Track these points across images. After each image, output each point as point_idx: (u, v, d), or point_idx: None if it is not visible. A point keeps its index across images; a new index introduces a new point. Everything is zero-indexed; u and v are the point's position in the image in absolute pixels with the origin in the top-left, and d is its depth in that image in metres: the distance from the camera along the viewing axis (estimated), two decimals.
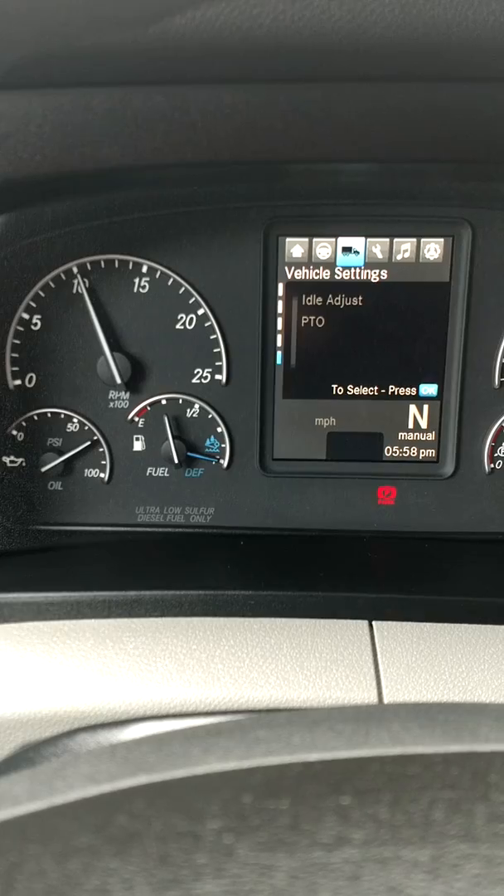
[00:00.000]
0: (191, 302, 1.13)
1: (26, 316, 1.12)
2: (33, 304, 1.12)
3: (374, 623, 1.00)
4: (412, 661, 0.95)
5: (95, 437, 1.18)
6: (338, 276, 1.13)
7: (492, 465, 1.18)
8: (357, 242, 1.12)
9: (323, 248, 1.12)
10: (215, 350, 1.15)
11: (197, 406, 1.17)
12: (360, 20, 0.69)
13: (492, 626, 1.00)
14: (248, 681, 0.92)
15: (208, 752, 0.42)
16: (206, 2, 0.62)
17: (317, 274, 1.13)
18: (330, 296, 1.14)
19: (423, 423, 1.18)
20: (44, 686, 0.92)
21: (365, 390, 1.17)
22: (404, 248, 1.12)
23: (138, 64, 0.71)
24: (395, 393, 1.17)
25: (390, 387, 1.17)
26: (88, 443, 1.17)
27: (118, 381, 1.12)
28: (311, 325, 1.15)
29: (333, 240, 1.12)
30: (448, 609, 1.01)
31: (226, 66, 0.75)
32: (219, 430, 1.18)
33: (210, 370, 1.16)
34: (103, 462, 1.19)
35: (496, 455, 1.18)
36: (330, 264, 1.13)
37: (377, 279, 1.13)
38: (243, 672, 0.93)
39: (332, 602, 1.01)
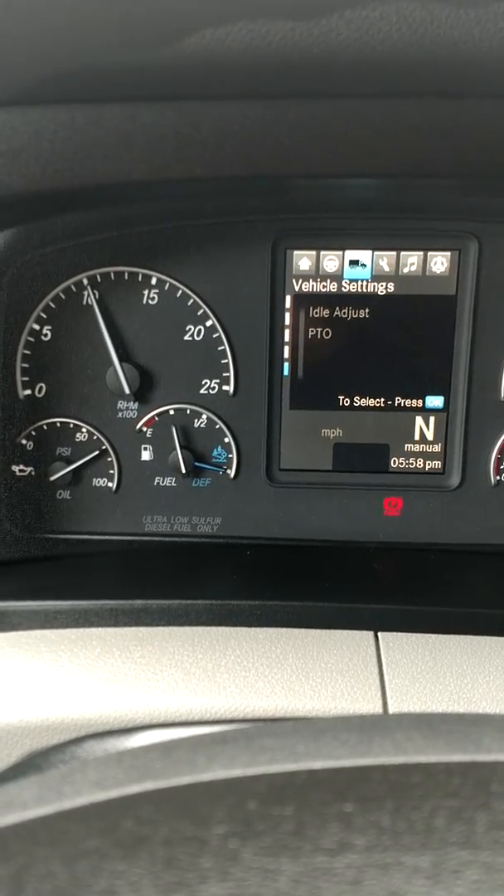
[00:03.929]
0: (199, 313, 1.14)
1: (37, 326, 1.13)
2: (44, 315, 1.13)
3: (379, 634, 1.00)
4: (417, 672, 0.95)
5: (104, 447, 1.19)
6: (345, 288, 1.14)
7: (498, 478, 1.18)
8: (364, 255, 1.13)
9: (330, 260, 1.13)
10: (223, 361, 1.16)
11: (204, 416, 1.18)
12: (368, 38, 0.70)
13: (497, 637, 1.00)
14: (254, 690, 0.92)
15: (213, 759, 0.42)
16: (218, 22, 0.63)
17: (324, 286, 1.14)
18: (337, 308, 1.15)
19: (430, 435, 1.19)
20: (51, 694, 0.92)
21: (371, 402, 1.18)
22: (411, 261, 1.13)
23: (149, 81, 0.72)
24: (402, 404, 1.18)
25: (396, 398, 1.18)
26: (97, 452, 1.18)
27: (127, 391, 1.13)
28: (318, 336, 1.16)
29: (341, 253, 1.13)
30: (453, 620, 1.01)
31: (235, 83, 0.76)
32: (226, 440, 1.19)
33: (218, 381, 1.17)
34: (111, 471, 1.20)
35: (502, 467, 1.18)
36: (337, 277, 1.14)
37: (384, 292, 1.14)
38: (249, 681, 0.93)
39: (337, 613, 1.01)
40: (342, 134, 0.84)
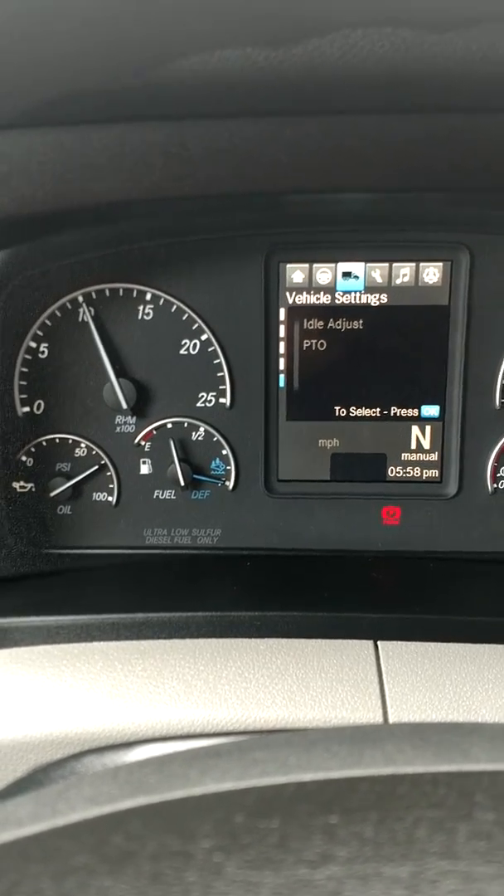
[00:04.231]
0: (194, 328, 1.15)
1: (34, 344, 1.15)
2: (40, 333, 1.14)
3: (379, 643, 1.01)
4: (417, 680, 0.96)
5: (103, 462, 1.20)
6: (338, 300, 1.15)
7: (495, 485, 1.19)
8: (357, 267, 1.14)
9: (323, 273, 1.14)
10: (219, 374, 1.17)
11: (202, 429, 1.19)
12: (351, 57, 0.71)
13: (496, 645, 1.01)
14: (255, 701, 0.93)
15: (206, 773, 0.43)
16: (196, 51, 0.64)
17: (318, 299, 1.15)
18: (331, 320, 1.16)
19: (426, 444, 1.20)
20: (55, 709, 0.93)
21: (367, 412, 1.19)
22: (403, 272, 1.14)
23: (137, 102, 0.73)
24: (398, 414, 1.19)
25: (392, 408, 1.19)
26: (96, 467, 1.19)
27: (124, 406, 1.14)
28: (313, 348, 1.17)
29: (333, 265, 1.14)
30: (452, 628, 1.02)
31: (223, 103, 0.77)
32: (224, 452, 1.20)
33: (214, 394, 1.18)
34: (111, 486, 1.21)
35: (499, 475, 1.19)
36: (330, 289, 1.15)
37: (377, 303, 1.15)
38: (250, 692, 0.94)
39: (336, 622, 1.02)
40: (334, 150, 0.85)
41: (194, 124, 0.78)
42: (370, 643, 1.01)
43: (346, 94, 0.78)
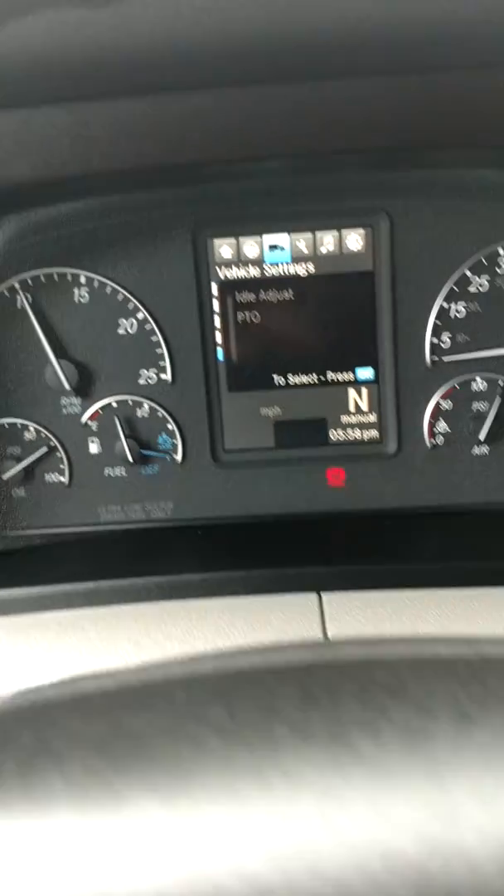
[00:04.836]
0: (130, 307, 1.19)
1: None
2: None
3: (322, 594, 1.05)
4: (358, 625, 1.00)
5: (52, 444, 1.24)
6: (267, 272, 1.19)
7: (433, 441, 1.23)
8: (282, 239, 1.18)
9: (251, 247, 1.18)
10: (158, 351, 1.21)
11: (146, 406, 1.23)
12: (246, 25, 0.75)
13: (436, 589, 1.05)
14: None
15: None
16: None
17: (247, 272, 1.19)
18: (262, 291, 1.20)
19: (364, 406, 1.24)
20: (9, 677, 0.97)
21: (305, 378, 1.23)
22: (327, 240, 1.18)
23: (37, 84, 0.77)
24: (334, 379, 1.23)
25: (329, 373, 1.23)
26: (45, 449, 1.23)
27: (66, 387, 1.18)
28: (248, 320, 1.21)
29: (259, 238, 1.18)
30: (393, 576, 1.06)
31: (129, 80, 0.82)
32: (169, 427, 1.24)
33: (155, 370, 1.22)
34: (62, 466, 1.25)
35: (436, 431, 1.23)
36: (258, 262, 1.19)
37: (305, 273, 1.19)
38: (197, 648, 0.98)
39: (281, 578, 1.06)
40: (250, 119, 0.88)
41: (96, 104, 0.82)
42: (314, 596, 1.05)
43: (255, 64, 0.82)
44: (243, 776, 0.33)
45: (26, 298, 1.17)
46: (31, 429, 1.23)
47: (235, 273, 1.19)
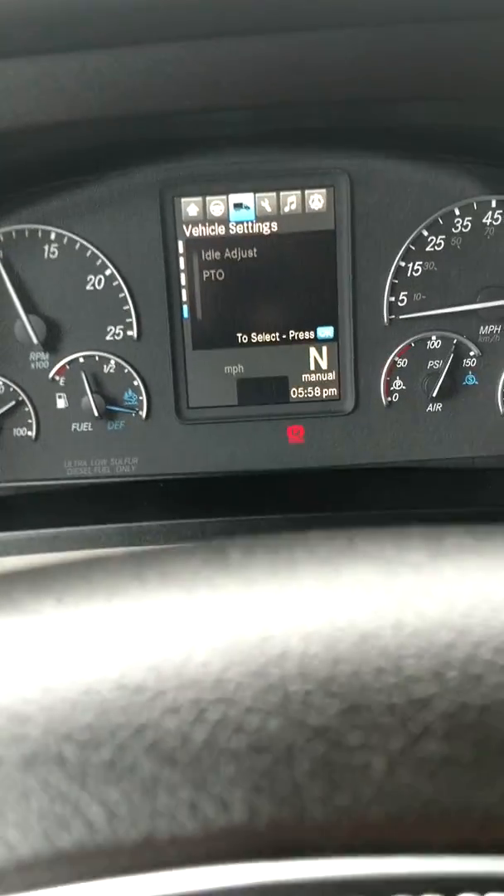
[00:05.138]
0: (98, 264, 1.22)
1: None
2: None
3: None
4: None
5: (20, 398, 1.26)
6: (232, 230, 1.22)
7: (389, 399, 1.27)
8: (247, 198, 1.21)
9: (216, 205, 1.22)
10: (125, 308, 1.23)
11: (113, 362, 1.26)
12: None
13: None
14: None
15: None
16: None
17: (213, 230, 1.22)
18: (227, 250, 1.23)
19: (324, 364, 1.28)
20: None
21: (268, 337, 1.27)
22: (290, 200, 1.21)
23: (4, 37, 0.80)
24: (296, 337, 1.27)
25: (290, 332, 1.26)
26: (13, 403, 1.26)
27: (34, 341, 1.21)
28: (213, 278, 1.24)
29: (225, 197, 1.21)
30: (347, 523, 1.10)
31: (95, 32, 0.84)
32: (135, 383, 1.27)
33: (122, 327, 1.25)
34: (30, 420, 1.27)
35: (392, 389, 1.27)
36: (224, 220, 1.22)
37: (268, 231, 1.22)
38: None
39: (235, 525, 1.10)
40: (211, 73, 0.91)
41: (62, 56, 0.85)
42: None
43: (217, 16, 0.85)
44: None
45: None
46: (0, 383, 1.25)
47: (201, 230, 1.22)
